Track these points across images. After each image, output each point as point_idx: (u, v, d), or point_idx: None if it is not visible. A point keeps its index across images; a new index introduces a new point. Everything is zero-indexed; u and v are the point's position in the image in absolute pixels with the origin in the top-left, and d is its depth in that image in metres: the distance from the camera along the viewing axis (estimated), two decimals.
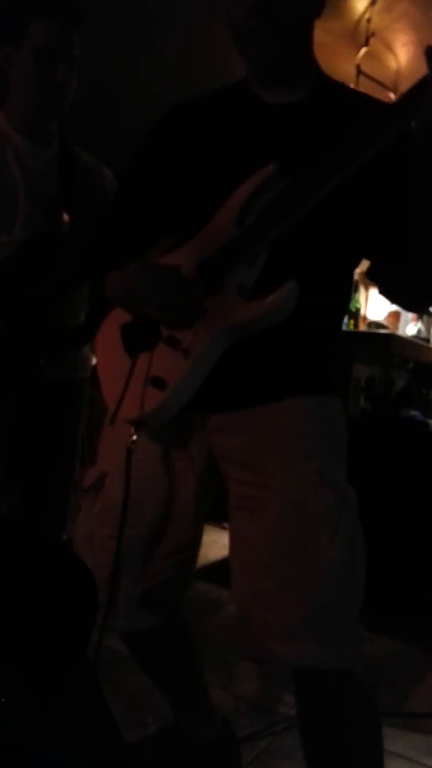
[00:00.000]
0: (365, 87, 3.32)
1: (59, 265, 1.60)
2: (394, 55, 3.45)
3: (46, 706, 1.05)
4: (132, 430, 1.12)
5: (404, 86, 1.14)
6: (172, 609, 1.25)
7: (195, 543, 1.23)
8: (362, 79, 3.43)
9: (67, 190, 1.61)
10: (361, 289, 4.11)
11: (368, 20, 3.17)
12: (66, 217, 1.58)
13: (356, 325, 3.95)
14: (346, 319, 3.58)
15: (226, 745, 1.41)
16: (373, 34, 3.25)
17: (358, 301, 4.01)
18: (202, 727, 1.38)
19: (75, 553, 1.84)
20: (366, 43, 3.28)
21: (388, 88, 3.55)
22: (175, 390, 1.06)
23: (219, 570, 1.78)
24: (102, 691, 1.15)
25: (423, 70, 0.95)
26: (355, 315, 3.97)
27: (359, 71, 3.41)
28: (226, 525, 1.20)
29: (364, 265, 1.25)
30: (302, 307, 1.04)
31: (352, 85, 2.81)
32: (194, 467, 1.16)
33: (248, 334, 1.05)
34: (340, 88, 1.22)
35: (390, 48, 3.41)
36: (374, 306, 4.24)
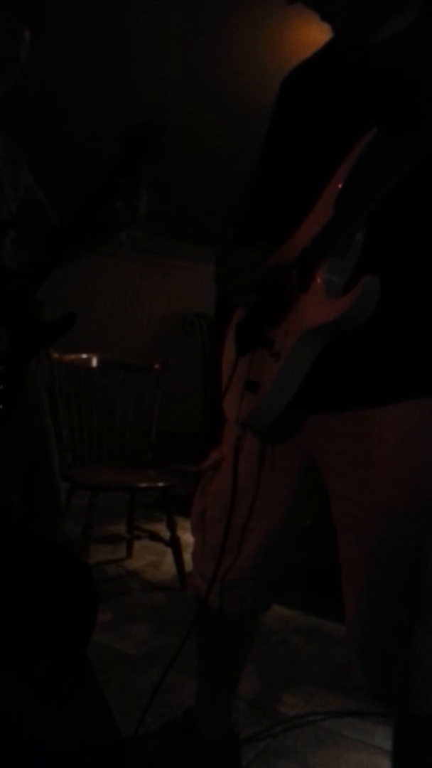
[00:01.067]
0: None
1: (48, 244, 1.56)
2: None
3: (46, 706, 1.05)
4: (238, 429, 1.10)
5: None
6: (263, 602, 1.25)
7: (284, 544, 1.19)
8: None
9: None
10: None
11: None
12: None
13: None
14: None
15: (230, 743, 1.41)
16: None
17: None
18: (219, 721, 1.39)
19: (75, 554, 1.83)
20: None
21: None
22: (268, 394, 1.01)
23: None
24: (102, 691, 1.15)
25: None
26: None
27: None
28: None
29: None
30: (415, 298, 0.95)
31: None
32: (296, 468, 1.11)
33: (339, 334, 0.94)
34: None
35: None
36: None
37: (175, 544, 2.60)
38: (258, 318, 1.07)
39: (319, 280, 0.95)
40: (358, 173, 0.93)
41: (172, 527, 2.60)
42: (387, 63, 0.94)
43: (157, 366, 2.94)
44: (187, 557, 1.78)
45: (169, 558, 2.67)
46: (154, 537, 2.82)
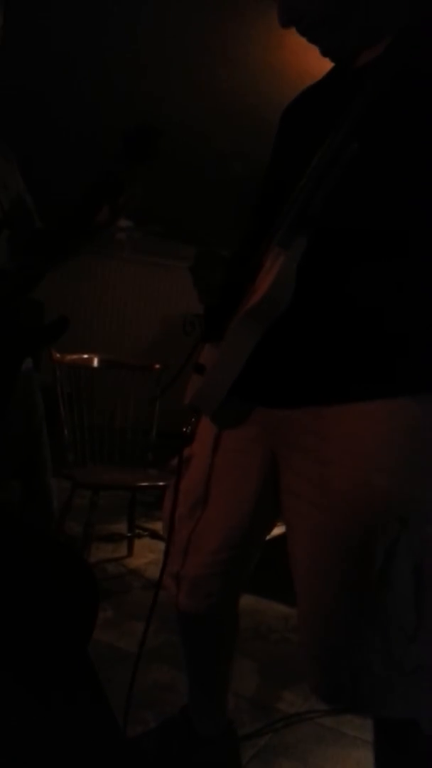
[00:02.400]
0: None
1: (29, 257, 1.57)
2: None
3: (47, 705, 1.06)
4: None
5: None
6: (230, 598, 1.26)
7: (248, 539, 1.20)
8: None
9: None
10: None
11: None
12: None
13: None
14: None
15: (228, 740, 1.42)
16: None
17: None
18: (212, 718, 1.40)
19: (76, 552, 1.84)
20: None
21: None
22: (210, 375, 1.04)
23: None
24: (103, 689, 1.16)
25: None
26: None
27: None
28: None
29: None
30: (382, 301, 0.95)
31: None
32: (259, 464, 1.12)
33: (268, 318, 0.97)
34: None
35: None
36: None
37: None
38: (223, 309, 1.10)
39: (262, 270, 0.99)
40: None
41: None
42: (362, 84, 0.98)
43: (157, 366, 2.96)
44: None
45: None
46: (155, 535, 2.83)
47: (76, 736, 1.09)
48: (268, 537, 1.22)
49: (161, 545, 3.01)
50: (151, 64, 3.28)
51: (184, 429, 1.16)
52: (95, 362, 2.89)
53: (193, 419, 1.16)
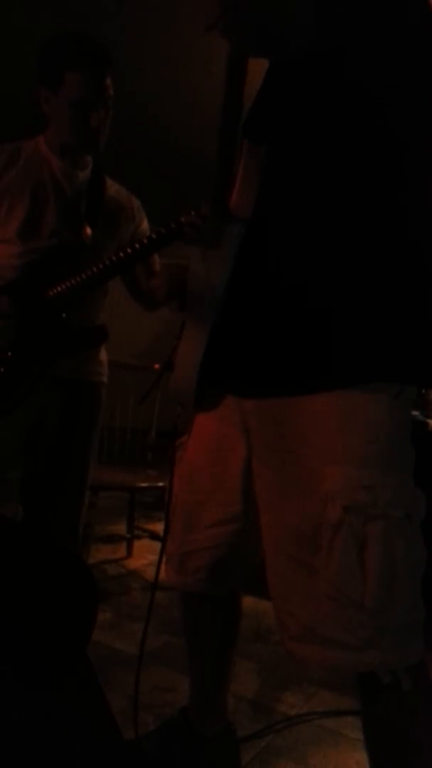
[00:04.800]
0: None
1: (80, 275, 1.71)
2: None
3: (44, 708, 1.05)
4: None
5: None
6: (224, 578, 1.27)
7: (241, 519, 1.21)
8: None
9: (94, 210, 1.76)
10: None
11: None
12: (89, 231, 1.72)
13: None
14: None
15: (228, 740, 1.41)
16: None
17: None
18: (212, 716, 1.39)
19: (75, 553, 1.84)
20: None
21: None
22: (177, 370, 1.11)
23: None
24: (102, 690, 1.15)
25: None
26: None
27: None
28: None
29: None
30: (347, 292, 0.97)
31: None
32: (240, 445, 1.16)
33: (201, 315, 1.08)
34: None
35: None
36: None
37: None
38: None
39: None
40: None
41: None
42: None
43: (157, 366, 2.95)
44: None
45: None
46: (154, 536, 2.82)
47: (75, 738, 1.09)
48: None
49: (161, 546, 3.00)
50: (150, 67, 3.28)
51: (175, 421, 1.22)
52: None
53: (180, 412, 1.22)
